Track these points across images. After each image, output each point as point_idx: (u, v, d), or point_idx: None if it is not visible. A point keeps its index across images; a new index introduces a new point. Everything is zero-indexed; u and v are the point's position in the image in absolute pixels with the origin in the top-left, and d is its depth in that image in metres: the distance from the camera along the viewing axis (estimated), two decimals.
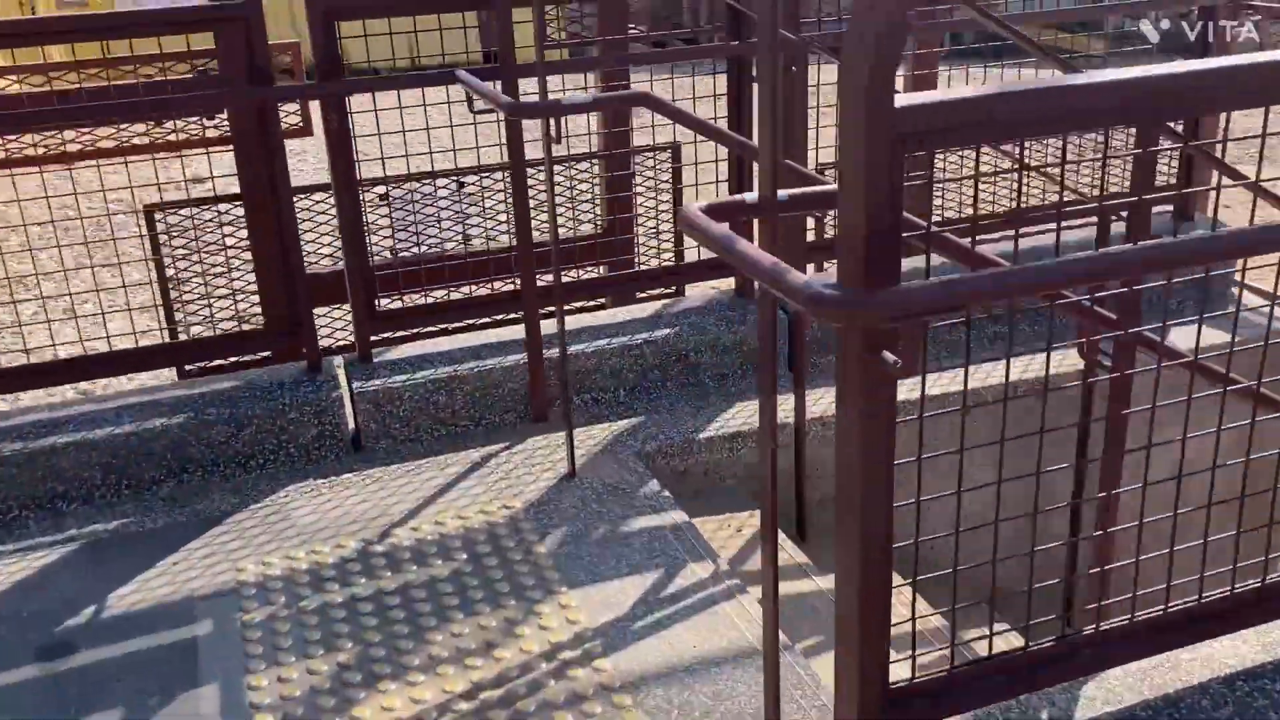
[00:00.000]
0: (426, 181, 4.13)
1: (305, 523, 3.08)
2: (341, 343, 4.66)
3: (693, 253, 4.13)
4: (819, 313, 1.50)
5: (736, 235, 1.72)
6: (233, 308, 3.93)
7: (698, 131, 3.22)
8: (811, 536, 3.59)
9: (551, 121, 2.80)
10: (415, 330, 3.88)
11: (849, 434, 1.68)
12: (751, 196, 1.90)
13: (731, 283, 3.99)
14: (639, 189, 4.45)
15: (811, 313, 1.52)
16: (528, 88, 3.24)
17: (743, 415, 3.59)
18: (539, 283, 3.43)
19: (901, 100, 1.47)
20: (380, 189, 4.09)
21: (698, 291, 3.97)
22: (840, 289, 1.49)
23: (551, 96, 2.87)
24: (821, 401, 3.60)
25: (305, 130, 4.22)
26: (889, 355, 1.55)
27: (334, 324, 4.66)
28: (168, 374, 3.90)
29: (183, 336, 3.90)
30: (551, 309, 3.42)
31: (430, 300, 3.69)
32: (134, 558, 2.96)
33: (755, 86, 3.70)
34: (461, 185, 4.51)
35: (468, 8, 3.27)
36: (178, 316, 3.93)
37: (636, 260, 4.19)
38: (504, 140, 3.29)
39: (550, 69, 2.89)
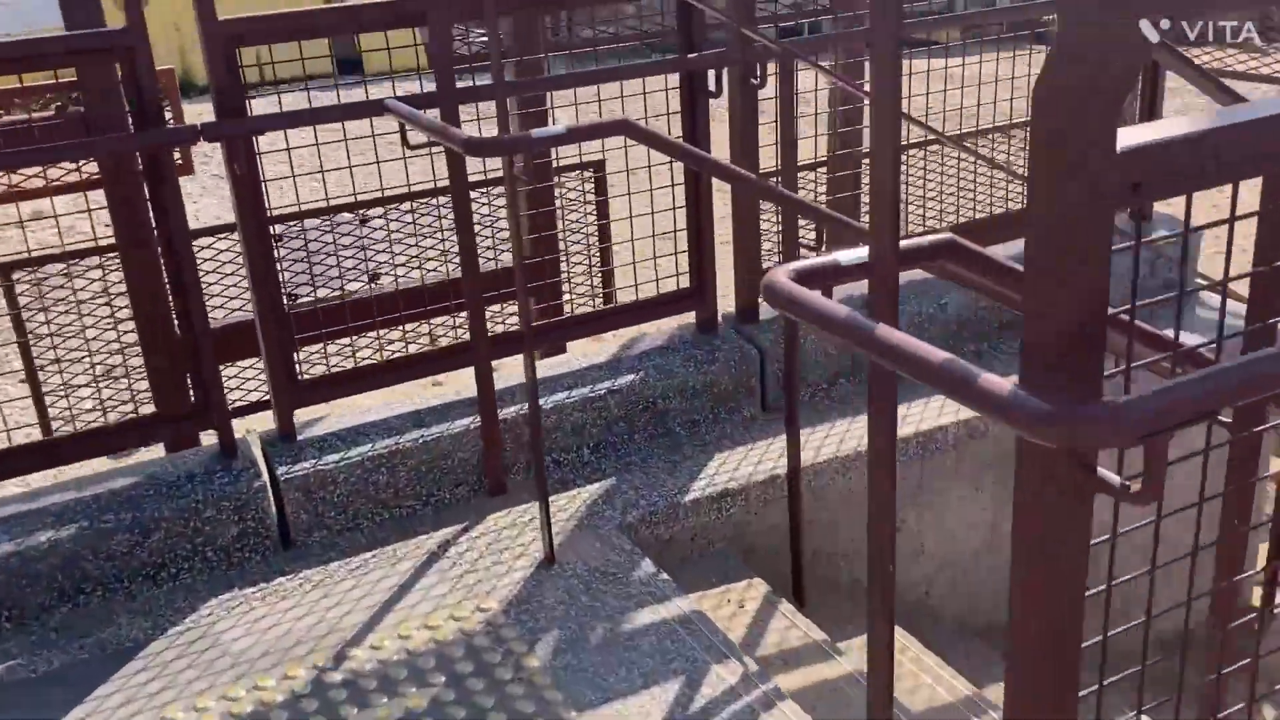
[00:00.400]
0: (338, 217, 3.62)
1: (239, 648, 2.55)
2: (239, 403, 4.09)
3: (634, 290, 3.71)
4: (1045, 434, 1.11)
5: (866, 318, 1.32)
6: (120, 381, 3.35)
7: (687, 163, 2.81)
8: (810, 598, 3.22)
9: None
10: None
11: (1036, 556, 1.29)
12: (849, 256, 1.51)
13: (692, 316, 3.59)
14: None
15: (1029, 434, 1.13)
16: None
17: (726, 469, 3.20)
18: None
19: (1128, 139, 1.10)
20: (287, 228, 3.56)
21: (657, 327, 3.56)
22: (1071, 403, 1.10)
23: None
24: (805, 448, 3.24)
25: (185, 169, 3.65)
26: (1111, 475, 1.18)
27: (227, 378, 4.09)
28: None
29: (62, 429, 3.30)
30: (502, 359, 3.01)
31: (361, 363, 3.18)
32: (25, 713, 2.40)
33: (711, 101, 3.31)
34: (365, 221, 4.01)
35: (393, 26, 2.79)
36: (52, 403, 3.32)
37: (598, 297, 3.76)
38: (443, 173, 2.82)
39: (510, 91, 2.45)
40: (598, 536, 2.90)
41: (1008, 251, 4.21)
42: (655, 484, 3.12)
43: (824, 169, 4.53)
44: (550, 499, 2.98)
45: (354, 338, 3.35)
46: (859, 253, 1.52)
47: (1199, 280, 4.35)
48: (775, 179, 3.69)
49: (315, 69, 2.96)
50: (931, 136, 4.08)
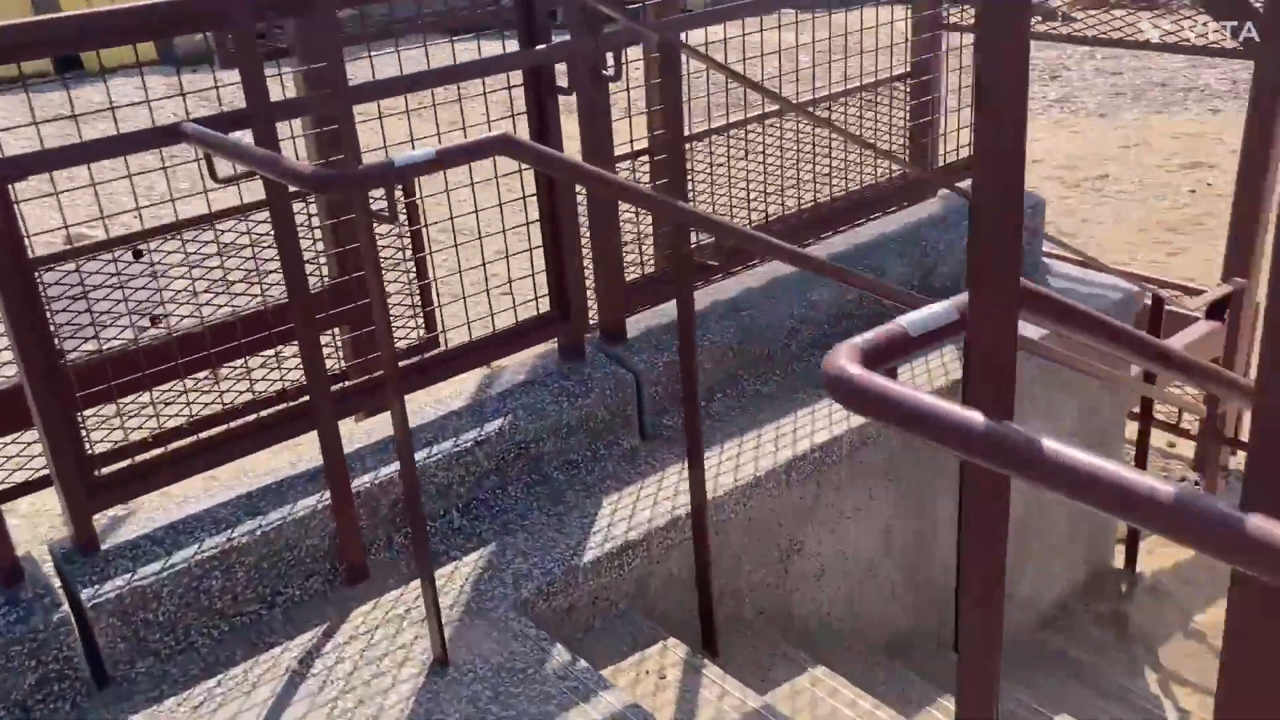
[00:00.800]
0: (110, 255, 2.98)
1: None
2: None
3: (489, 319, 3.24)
4: None
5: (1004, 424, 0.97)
6: None
7: (587, 185, 2.38)
8: (723, 648, 2.89)
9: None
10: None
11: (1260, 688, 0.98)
12: (920, 320, 1.15)
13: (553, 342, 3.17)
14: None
15: None
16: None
17: (620, 516, 2.82)
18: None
19: None
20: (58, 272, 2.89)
21: (517, 359, 3.12)
22: None
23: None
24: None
25: None
26: None
27: None
28: None
29: None
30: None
31: (170, 442, 2.59)
32: None
33: (561, 98, 2.89)
34: (139, 255, 3.37)
35: (181, 31, 2.22)
36: None
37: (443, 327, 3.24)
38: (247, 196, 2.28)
39: (357, 97, 1.95)
40: (492, 622, 2.46)
41: (845, 245, 3.98)
42: (545, 546, 2.70)
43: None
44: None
45: (156, 400, 2.76)
46: (931, 314, 1.16)
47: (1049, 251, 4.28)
48: (634, 176, 3.31)
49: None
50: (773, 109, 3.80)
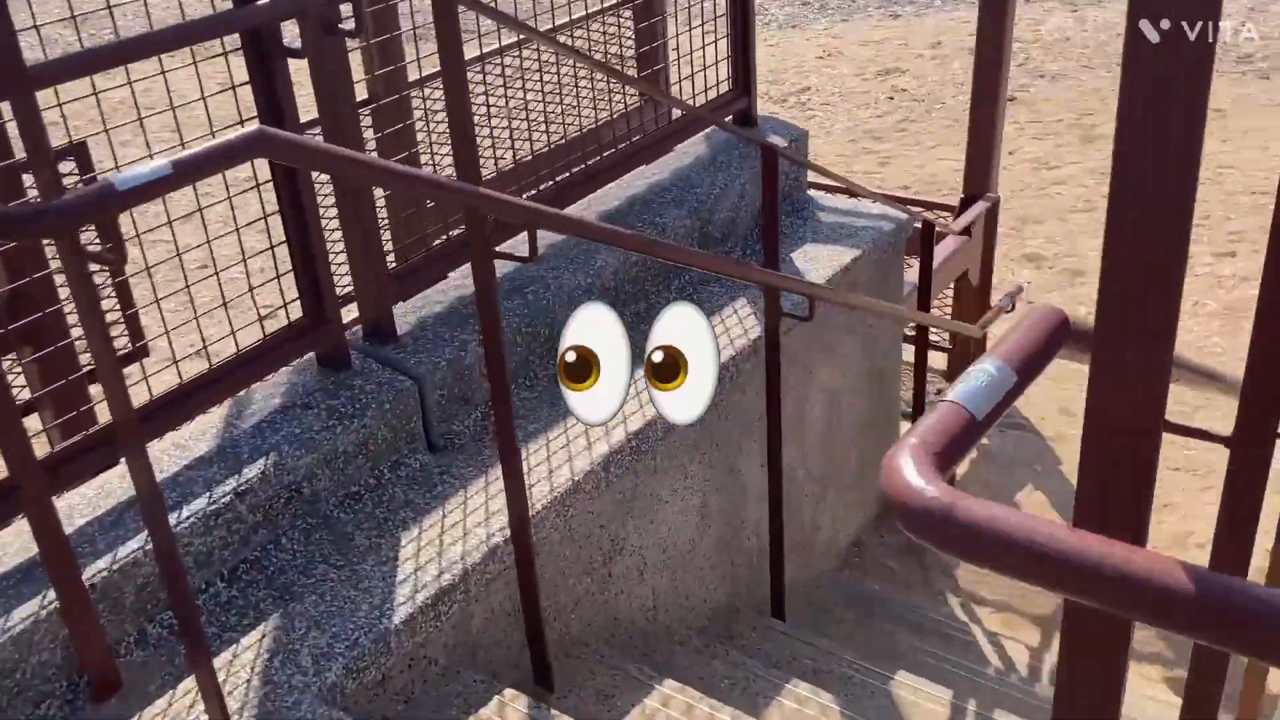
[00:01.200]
0: None
1: None
2: None
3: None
4: None
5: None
6: None
7: (364, 178, 1.87)
8: (559, 677, 2.55)
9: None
10: None
11: None
12: (975, 390, 0.82)
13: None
14: None
15: None
16: None
17: (425, 554, 2.39)
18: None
19: None
20: None
21: (269, 380, 2.59)
22: None
23: None
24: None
25: None
26: None
27: None
28: None
29: None
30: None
31: None
32: None
33: (289, 62, 2.35)
34: None
35: None
36: None
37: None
38: None
39: (38, 82, 1.38)
40: None
41: (620, 200, 3.61)
42: (342, 608, 2.24)
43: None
44: (191, 683, 2.01)
45: None
46: (988, 382, 0.83)
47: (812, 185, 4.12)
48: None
49: None
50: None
